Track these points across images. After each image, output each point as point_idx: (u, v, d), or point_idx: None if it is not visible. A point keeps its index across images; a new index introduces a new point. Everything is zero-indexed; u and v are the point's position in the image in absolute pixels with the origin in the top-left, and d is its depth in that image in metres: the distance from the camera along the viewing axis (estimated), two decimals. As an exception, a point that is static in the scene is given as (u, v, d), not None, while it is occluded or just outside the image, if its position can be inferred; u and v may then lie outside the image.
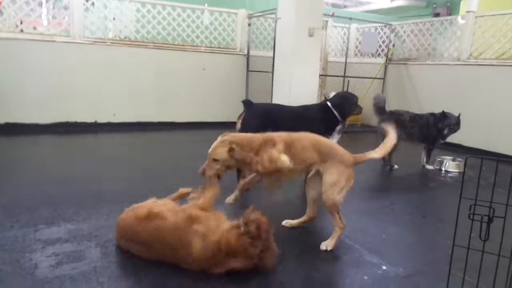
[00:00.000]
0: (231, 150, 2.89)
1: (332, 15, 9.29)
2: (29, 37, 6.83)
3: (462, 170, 5.73)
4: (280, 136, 3.02)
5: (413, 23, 9.00)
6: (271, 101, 7.71)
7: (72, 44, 7.13)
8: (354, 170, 3.08)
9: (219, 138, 2.99)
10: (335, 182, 2.94)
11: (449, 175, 5.62)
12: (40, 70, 6.90)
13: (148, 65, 7.81)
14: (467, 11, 7.64)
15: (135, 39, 7.85)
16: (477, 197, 1.92)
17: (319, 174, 3.04)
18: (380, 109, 5.74)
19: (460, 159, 5.93)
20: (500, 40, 7.08)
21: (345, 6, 17.61)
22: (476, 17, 7.45)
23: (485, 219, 1.90)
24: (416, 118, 5.72)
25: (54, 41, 6.99)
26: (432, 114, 5.76)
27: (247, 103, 4.57)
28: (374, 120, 6.45)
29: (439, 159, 5.96)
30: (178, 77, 8.10)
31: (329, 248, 2.97)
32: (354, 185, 3.06)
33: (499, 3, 10.47)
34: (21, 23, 6.91)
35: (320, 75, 8.30)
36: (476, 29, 7.46)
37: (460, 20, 7.81)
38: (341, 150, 3.08)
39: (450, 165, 5.84)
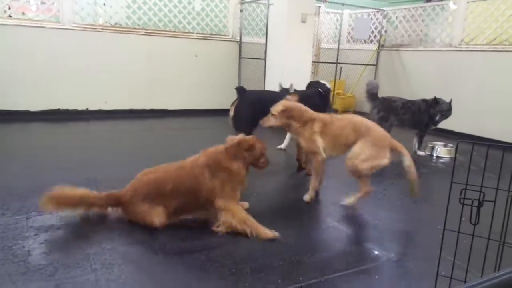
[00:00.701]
0: (283, 111, 3.46)
1: (325, 1, 9.23)
2: (18, 22, 6.71)
3: (453, 156, 5.78)
4: (320, 116, 3.53)
5: (405, 9, 8.97)
6: (264, 88, 7.70)
7: (62, 30, 7.02)
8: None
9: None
10: (360, 152, 3.31)
11: (441, 160, 5.67)
12: (30, 57, 6.80)
13: (139, 52, 7.73)
14: (459, -3, 7.64)
15: (126, 25, 7.75)
16: (467, 182, 1.94)
17: None
18: (372, 95, 5.74)
19: (451, 145, 5.98)
20: (491, 26, 7.09)
21: (338, -8, 17.48)
22: (467, 2, 7.44)
23: (475, 203, 1.92)
24: (408, 105, 5.74)
25: (43, 27, 6.88)
26: (424, 100, 5.79)
27: (240, 90, 4.55)
28: (366, 106, 6.47)
29: (430, 145, 6.00)
30: (170, 64, 8.02)
31: (351, 203, 3.49)
32: (337, 175, 3.09)
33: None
34: (9, 8, 6.79)
35: (312, 61, 8.28)
36: (467, 14, 7.46)
37: (452, 6, 7.80)
38: (377, 131, 3.42)
39: (442, 150, 5.88)
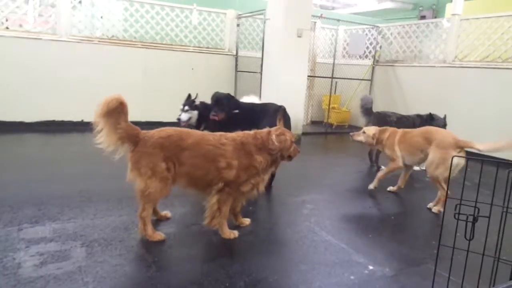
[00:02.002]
0: (374, 136, 4.49)
1: (321, 17, 9.33)
2: (15, 34, 6.72)
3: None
4: (399, 130, 4.42)
5: (399, 25, 9.09)
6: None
7: (58, 42, 7.04)
8: (344, 171, 3.10)
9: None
10: (432, 162, 3.89)
11: (435, 176, 5.67)
12: (26, 68, 6.80)
13: (136, 64, 7.75)
14: (452, 14, 7.75)
15: (123, 38, 7.79)
16: (462, 197, 1.94)
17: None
18: (367, 110, 5.78)
19: (445, 160, 5.98)
20: (484, 43, 7.19)
21: (333, 8, 17.72)
22: (461, 20, 7.56)
23: (470, 218, 1.92)
24: (402, 119, 5.76)
25: (40, 39, 6.89)
26: (419, 116, 5.82)
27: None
28: (361, 120, 6.50)
29: (425, 160, 6.01)
30: (166, 76, 8.05)
31: (439, 210, 3.90)
32: (332, 189, 3.08)
33: (484, 7, 10.64)
34: (7, 20, 6.81)
35: (308, 76, 8.33)
36: (461, 32, 7.57)
37: (445, 23, 7.91)
38: (441, 134, 3.99)
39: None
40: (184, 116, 4.51)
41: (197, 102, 4.61)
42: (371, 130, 4.51)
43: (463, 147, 3.80)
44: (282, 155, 3.05)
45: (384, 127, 4.57)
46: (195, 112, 4.50)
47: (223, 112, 4.25)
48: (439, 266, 2.17)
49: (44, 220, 3.15)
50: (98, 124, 2.75)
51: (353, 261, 2.85)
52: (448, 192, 2.33)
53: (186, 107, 4.56)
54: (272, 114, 4.32)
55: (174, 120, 4.66)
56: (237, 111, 4.33)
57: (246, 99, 5.21)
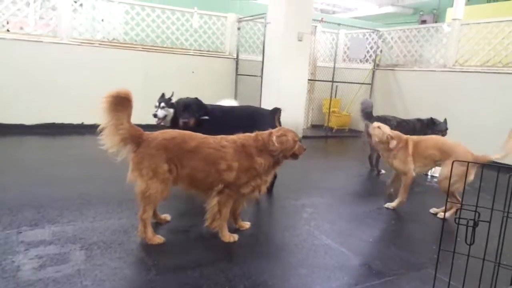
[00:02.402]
0: (392, 138, 3.95)
1: (321, 21, 9.35)
2: (16, 37, 6.74)
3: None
4: (412, 138, 4.05)
5: (400, 30, 9.11)
6: (260, 105, 7.73)
7: (59, 45, 7.05)
8: (344, 175, 3.10)
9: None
10: (446, 175, 3.58)
11: (435, 180, 5.67)
12: (26, 70, 6.80)
13: (136, 67, 7.76)
14: (453, 19, 7.76)
15: (123, 41, 7.80)
16: (462, 202, 1.94)
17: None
18: (367, 114, 5.77)
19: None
20: (485, 48, 7.20)
21: (334, 12, 17.76)
22: (461, 25, 7.57)
23: (471, 223, 1.91)
24: (403, 124, 5.76)
25: (41, 41, 6.90)
26: (419, 120, 5.82)
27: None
28: (361, 124, 6.50)
29: (425, 165, 6.01)
30: (166, 79, 8.04)
31: (445, 216, 3.55)
32: (332, 193, 3.07)
33: (484, 12, 10.67)
34: (8, 23, 6.82)
35: (308, 79, 8.34)
36: (461, 36, 7.58)
37: (446, 28, 7.93)
38: (461, 149, 3.84)
39: (436, 170, 5.88)
40: (161, 113, 4.39)
41: (173, 100, 4.52)
42: (386, 128, 4.07)
43: (481, 163, 3.67)
44: (284, 155, 3.03)
45: (396, 133, 4.11)
46: (171, 110, 4.37)
47: (194, 117, 4.13)
48: (439, 270, 2.16)
49: (43, 223, 3.14)
50: (105, 118, 2.78)
51: (353, 265, 2.84)
52: (459, 201, 2.33)
53: (163, 104, 4.44)
54: (258, 117, 4.26)
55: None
56: (206, 117, 4.19)
57: (224, 102, 5.10)
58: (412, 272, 2.80)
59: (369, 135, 5.63)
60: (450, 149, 3.84)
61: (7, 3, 6.60)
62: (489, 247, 2.00)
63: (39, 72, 6.91)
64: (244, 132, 3.12)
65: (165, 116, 4.41)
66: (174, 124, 4.31)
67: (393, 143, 3.94)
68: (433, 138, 4.16)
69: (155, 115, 4.41)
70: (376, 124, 4.14)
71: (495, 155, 3.70)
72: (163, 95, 4.59)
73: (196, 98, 4.38)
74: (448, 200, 3.74)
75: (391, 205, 4.10)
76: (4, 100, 6.68)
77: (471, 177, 3.63)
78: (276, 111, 4.47)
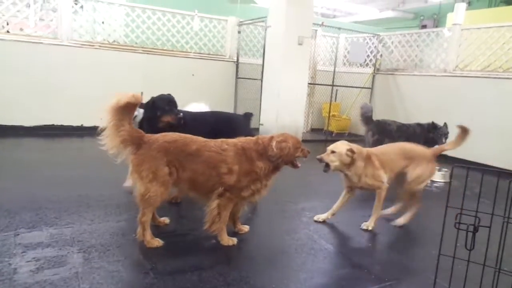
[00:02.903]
0: (351, 151, 3.41)
1: (322, 25, 9.37)
2: (16, 38, 6.74)
3: (447, 180, 5.78)
4: (373, 152, 3.66)
5: (400, 34, 9.12)
6: (260, 109, 7.75)
7: (59, 46, 7.05)
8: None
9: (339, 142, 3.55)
10: (419, 177, 3.66)
11: (435, 185, 5.67)
12: (26, 72, 6.80)
13: (136, 70, 7.75)
14: (453, 24, 7.77)
15: (124, 43, 7.80)
16: (462, 206, 1.93)
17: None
18: (367, 118, 5.77)
19: (445, 169, 5.98)
20: (485, 53, 7.20)
21: (334, 16, 17.81)
22: (462, 29, 7.58)
23: (471, 228, 1.90)
24: (403, 128, 5.76)
25: (41, 43, 6.90)
26: (419, 124, 5.82)
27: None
28: (361, 129, 6.49)
29: (425, 169, 6.00)
30: (166, 82, 8.03)
31: (402, 224, 3.75)
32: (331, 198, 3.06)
33: (485, 17, 10.69)
34: (8, 24, 6.82)
35: (308, 83, 8.35)
36: (462, 41, 7.59)
37: (446, 32, 7.94)
38: (421, 150, 3.81)
39: (436, 175, 5.88)
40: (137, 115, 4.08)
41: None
42: (342, 147, 3.46)
43: (437, 154, 3.85)
44: (284, 161, 3.00)
45: (355, 146, 3.54)
46: (142, 111, 4.18)
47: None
48: (439, 276, 2.15)
49: (41, 225, 3.12)
50: (108, 117, 2.78)
51: (352, 270, 2.82)
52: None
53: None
54: (235, 123, 4.15)
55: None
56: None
57: (192, 107, 4.91)
58: (412, 278, 2.79)
59: (370, 140, 5.65)
60: (412, 152, 3.78)
61: (7, 4, 6.61)
62: (489, 252, 1.98)
63: (39, 74, 6.91)
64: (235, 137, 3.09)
65: (135, 117, 4.03)
66: (146, 125, 3.98)
67: (354, 156, 3.43)
68: (393, 149, 3.83)
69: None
70: (328, 149, 3.50)
71: (447, 145, 3.97)
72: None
73: (170, 94, 4.18)
74: (405, 202, 3.83)
75: (366, 224, 3.67)
76: (3, 102, 6.67)
77: (434, 173, 3.83)
78: (250, 116, 4.40)
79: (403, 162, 3.70)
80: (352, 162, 3.44)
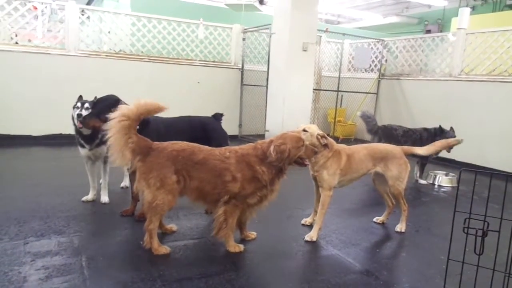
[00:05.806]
0: (323, 136, 3.36)
1: (326, 31, 9.40)
2: (24, 49, 6.83)
3: (454, 185, 5.75)
4: (344, 149, 3.55)
5: (405, 39, 9.12)
6: (265, 115, 7.77)
7: (67, 56, 7.14)
8: (350, 185, 3.10)
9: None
10: (397, 176, 3.62)
11: (442, 189, 5.63)
12: (34, 82, 6.88)
13: (142, 78, 7.81)
14: (458, 28, 7.77)
15: (130, 52, 7.87)
16: (471, 211, 1.92)
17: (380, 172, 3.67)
18: (370, 125, 5.76)
19: (453, 174, 5.95)
20: (491, 57, 7.19)
21: (339, 22, 17.87)
22: (467, 34, 7.58)
23: (479, 233, 1.89)
24: (409, 133, 5.75)
25: (49, 53, 6.99)
26: (426, 129, 5.81)
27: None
28: (368, 134, 6.48)
29: (432, 174, 5.98)
30: (172, 90, 8.10)
31: (402, 230, 3.72)
32: (338, 203, 3.05)
33: (489, 21, 10.68)
34: (16, 35, 6.92)
35: (313, 89, 8.36)
36: (467, 45, 7.57)
37: (451, 37, 7.93)
38: (390, 148, 3.72)
39: (443, 179, 5.86)
40: (86, 113, 4.10)
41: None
42: (314, 128, 3.42)
43: (407, 154, 3.75)
44: (287, 163, 2.97)
45: (329, 139, 3.45)
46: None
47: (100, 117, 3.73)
48: (448, 281, 2.14)
49: (50, 233, 3.15)
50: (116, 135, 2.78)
51: (360, 276, 2.81)
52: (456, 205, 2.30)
53: (87, 105, 4.17)
54: (209, 126, 4.03)
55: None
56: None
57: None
58: (420, 283, 2.77)
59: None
60: (384, 152, 3.67)
61: (16, 16, 6.70)
62: (498, 257, 1.97)
63: (47, 84, 6.98)
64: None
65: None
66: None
67: (324, 141, 3.35)
68: (367, 148, 3.72)
69: (79, 115, 4.08)
70: (303, 126, 3.44)
71: (418, 150, 3.79)
72: (81, 97, 4.48)
73: (111, 95, 4.06)
74: (394, 204, 3.85)
75: (310, 236, 3.39)
76: (11, 111, 6.75)
77: (408, 169, 3.68)
78: (220, 117, 4.37)
79: (371, 163, 3.62)
80: (319, 149, 3.32)
